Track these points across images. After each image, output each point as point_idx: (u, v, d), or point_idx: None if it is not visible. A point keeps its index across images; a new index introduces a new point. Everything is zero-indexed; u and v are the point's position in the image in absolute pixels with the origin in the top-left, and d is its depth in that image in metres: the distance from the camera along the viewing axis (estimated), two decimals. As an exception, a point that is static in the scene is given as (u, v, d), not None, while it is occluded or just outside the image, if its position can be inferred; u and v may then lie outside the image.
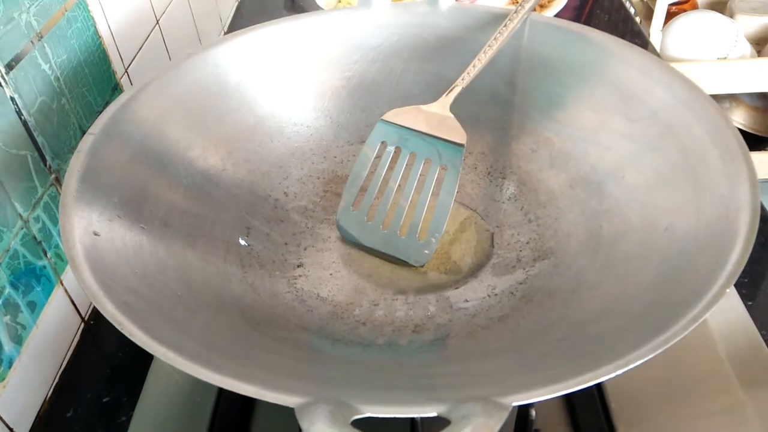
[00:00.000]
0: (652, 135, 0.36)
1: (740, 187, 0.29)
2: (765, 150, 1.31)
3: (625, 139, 0.38)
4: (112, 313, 0.25)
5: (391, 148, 0.39)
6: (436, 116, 0.39)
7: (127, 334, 0.25)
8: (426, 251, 0.38)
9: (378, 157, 0.40)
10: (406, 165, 0.39)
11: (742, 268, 0.26)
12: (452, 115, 0.39)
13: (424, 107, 0.40)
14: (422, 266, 0.38)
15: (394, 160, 0.39)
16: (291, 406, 0.22)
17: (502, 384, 0.24)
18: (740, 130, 1.26)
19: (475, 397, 0.22)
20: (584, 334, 0.29)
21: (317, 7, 0.75)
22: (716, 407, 0.34)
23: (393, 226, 0.39)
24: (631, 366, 0.23)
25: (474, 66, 0.41)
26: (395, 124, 0.39)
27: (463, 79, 0.40)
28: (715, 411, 0.34)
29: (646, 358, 0.23)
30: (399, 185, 0.39)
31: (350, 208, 0.40)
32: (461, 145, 0.38)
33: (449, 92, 0.40)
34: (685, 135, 0.34)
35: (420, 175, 0.38)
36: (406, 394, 0.24)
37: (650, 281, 0.30)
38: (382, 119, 0.40)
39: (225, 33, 0.78)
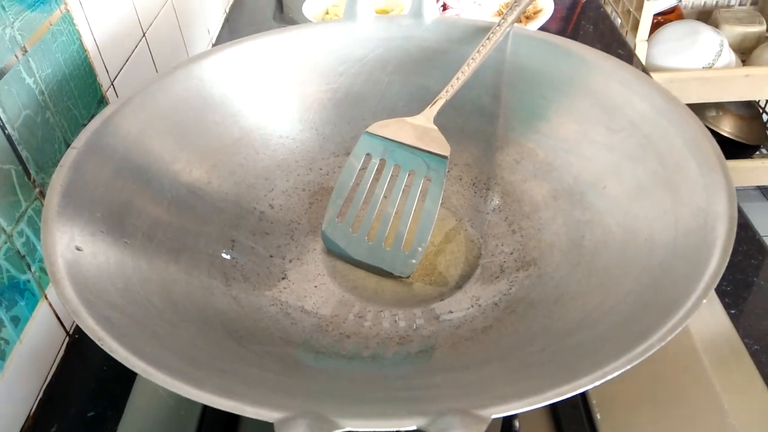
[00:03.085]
0: (632, 146, 0.37)
1: (718, 198, 0.30)
2: (750, 158, 1.33)
3: (606, 150, 0.38)
4: (92, 328, 0.25)
5: (375, 160, 0.39)
6: (420, 128, 0.40)
7: (107, 350, 0.25)
8: (411, 261, 0.38)
9: (363, 169, 0.40)
10: (391, 176, 0.39)
11: (719, 278, 0.26)
12: (436, 127, 0.39)
13: (408, 119, 0.40)
14: (407, 277, 0.39)
15: (378, 172, 0.39)
16: (270, 421, 0.22)
17: (481, 396, 0.24)
18: (726, 138, 1.28)
19: (455, 409, 0.22)
20: (565, 344, 0.29)
21: (306, 19, 0.75)
22: (700, 415, 0.35)
23: (378, 238, 0.39)
24: (609, 377, 0.23)
25: (458, 78, 0.41)
26: (380, 136, 0.40)
27: (447, 92, 0.41)
28: (698, 419, 0.34)
29: (623, 369, 0.23)
30: (384, 197, 0.39)
31: (335, 220, 0.40)
32: (445, 157, 0.38)
33: (433, 104, 0.40)
34: (664, 146, 0.35)
35: (405, 186, 0.39)
36: (387, 407, 0.24)
37: (630, 291, 0.30)
38: (366, 131, 0.40)
39: (213, 45, 0.79)
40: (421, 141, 0.39)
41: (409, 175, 0.39)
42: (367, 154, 0.40)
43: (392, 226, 0.38)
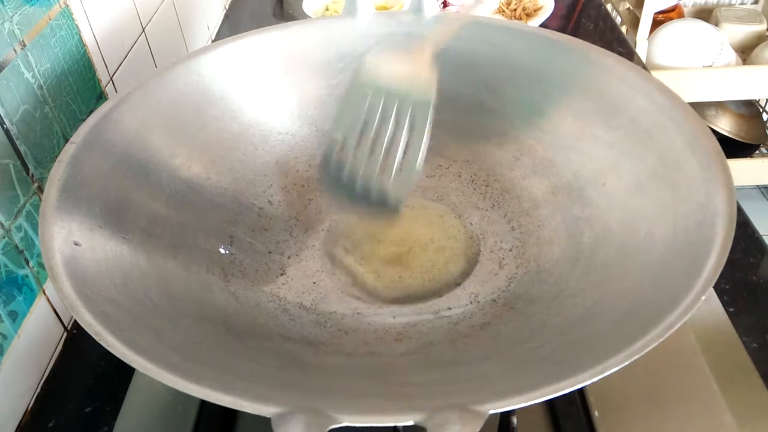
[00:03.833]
0: (632, 142, 0.36)
1: (717, 195, 0.30)
2: (750, 157, 1.33)
3: (605, 147, 0.38)
4: (89, 323, 0.25)
5: (366, 105, 0.37)
6: (411, 67, 0.37)
7: (104, 345, 0.25)
8: (402, 191, 0.36)
9: (358, 111, 0.37)
10: (380, 118, 0.37)
11: (718, 274, 0.26)
12: (428, 62, 0.37)
13: (404, 53, 0.38)
14: (398, 210, 0.36)
15: (371, 113, 0.37)
16: (267, 416, 0.22)
17: (479, 391, 0.24)
18: (726, 137, 1.28)
19: (453, 405, 0.22)
20: (563, 340, 0.29)
21: (305, 15, 0.75)
22: (697, 413, 0.35)
23: (369, 176, 0.36)
24: (607, 373, 0.23)
25: None
26: (371, 82, 0.37)
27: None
28: (695, 417, 0.34)
29: (621, 365, 0.23)
30: (374, 137, 0.36)
31: (331, 166, 0.37)
32: (429, 100, 0.36)
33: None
34: (663, 142, 0.35)
35: (393, 127, 0.36)
36: (385, 402, 0.24)
37: (628, 287, 0.30)
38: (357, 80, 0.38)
39: (213, 41, 0.78)
40: (409, 82, 0.37)
41: (395, 114, 0.36)
42: (361, 96, 0.37)
43: (382, 163, 0.36)
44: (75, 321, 0.44)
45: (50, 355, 0.41)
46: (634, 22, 1.16)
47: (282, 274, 0.39)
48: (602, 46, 0.40)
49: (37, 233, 0.40)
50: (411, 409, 0.22)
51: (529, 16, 0.77)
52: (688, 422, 0.34)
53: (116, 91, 0.51)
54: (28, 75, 0.39)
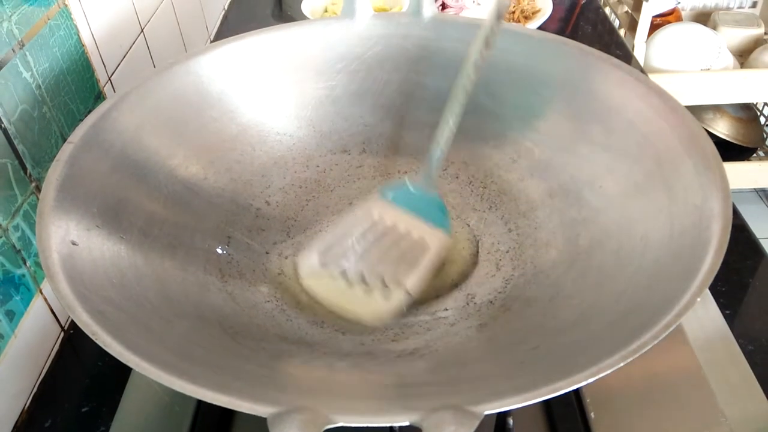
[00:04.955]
0: (629, 145, 0.37)
1: (713, 197, 0.30)
2: (747, 160, 1.33)
3: (602, 149, 0.38)
4: (86, 322, 0.25)
5: (377, 218, 0.38)
6: (423, 197, 0.39)
7: (101, 344, 0.25)
8: (384, 313, 0.35)
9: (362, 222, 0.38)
10: (385, 234, 0.37)
11: (713, 276, 0.26)
12: (437, 195, 0.39)
13: (412, 187, 0.39)
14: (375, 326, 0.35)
15: (375, 230, 0.38)
16: (263, 415, 0.22)
17: (475, 392, 0.24)
18: (724, 140, 1.28)
19: (448, 405, 0.22)
20: (559, 342, 0.29)
21: (304, 16, 0.75)
22: (694, 415, 0.35)
23: (356, 287, 0.36)
24: (603, 374, 0.23)
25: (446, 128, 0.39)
26: (388, 200, 0.39)
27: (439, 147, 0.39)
28: (692, 419, 0.34)
29: (617, 366, 0.23)
30: (374, 248, 0.37)
31: (318, 257, 0.37)
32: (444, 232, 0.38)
33: (432, 164, 0.39)
34: (660, 145, 0.35)
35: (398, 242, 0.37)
36: (380, 403, 0.24)
37: (624, 289, 0.30)
38: (379, 192, 0.39)
39: (211, 41, 0.78)
40: (423, 212, 0.38)
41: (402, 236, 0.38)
42: (370, 211, 0.38)
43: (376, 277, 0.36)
44: (72, 321, 0.43)
45: (47, 354, 0.41)
46: (633, 26, 1.16)
47: (279, 275, 0.39)
48: (600, 49, 0.40)
49: (34, 233, 0.40)
50: (406, 410, 0.22)
51: (527, 18, 0.77)
52: (684, 424, 0.34)
53: (114, 91, 0.51)
54: (26, 75, 0.40)
